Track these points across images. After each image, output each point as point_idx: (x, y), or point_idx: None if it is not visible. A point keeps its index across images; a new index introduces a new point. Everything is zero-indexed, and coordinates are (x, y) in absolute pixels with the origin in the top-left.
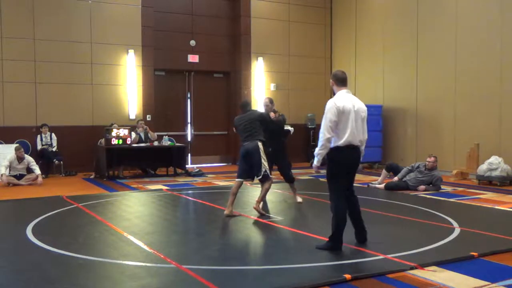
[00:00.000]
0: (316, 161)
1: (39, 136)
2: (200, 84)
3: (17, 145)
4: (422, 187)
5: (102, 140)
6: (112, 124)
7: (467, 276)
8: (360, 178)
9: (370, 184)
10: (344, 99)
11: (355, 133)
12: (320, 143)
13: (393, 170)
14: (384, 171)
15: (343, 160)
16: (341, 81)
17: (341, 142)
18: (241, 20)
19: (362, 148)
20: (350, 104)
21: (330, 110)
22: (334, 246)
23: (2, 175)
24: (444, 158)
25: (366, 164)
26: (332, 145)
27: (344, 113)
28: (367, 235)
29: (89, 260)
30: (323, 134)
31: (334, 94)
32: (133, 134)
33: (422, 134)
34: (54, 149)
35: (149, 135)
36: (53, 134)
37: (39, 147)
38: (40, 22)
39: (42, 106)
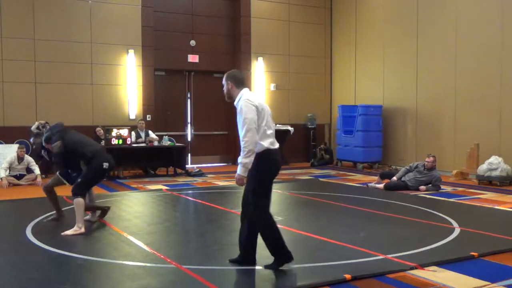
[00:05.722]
0: (242, 171)
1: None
2: (200, 84)
3: (20, 145)
4: (423, 187)
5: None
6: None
7: (467, 276)
8: (359, 178)
9: (369, 184)
10: (254, 96)
11: (274, 133)
12: (246, 149)
13: (387, 177)
14: (378, 178)
15: (273, 166)
16: (241, 81)
17: (268, 142)
18: (241, 20)
19: None
20: (261, 101)
21: (248, 108)
22: (248, 260)
23: (2, 178)
24: (444, 158)
25: (366, 164)
26: (258, 149)
27: (262, 110)
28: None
29: (89, 260)
30: (249, 137)
31: (230, 98)
32: (134, 134)
33: (422, 134)
34: None
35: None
36: None
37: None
38: (40, 22)
39: (42, 106)
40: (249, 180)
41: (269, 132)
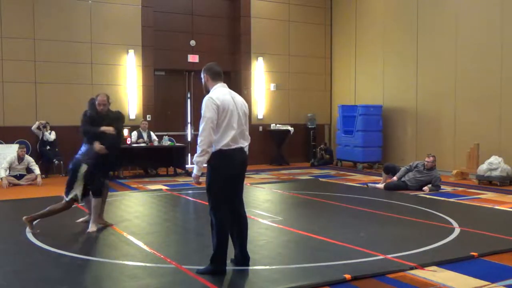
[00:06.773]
0: (196, 170)
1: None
2: (200, 84)
3: (20, 145)
4: (426, 188)
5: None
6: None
7: (467, 276)
8: (359, 178)
9: (370, 184)
10: (222, 94)
11: (238, 132)
12: (200, 148)
13: (391, 171)
14: (383, 174)
15: (228, 165)
16: (217, 74)
17: (224, 143)
18: (241, 20)
19: (247, 148)
20: (230, 98)
21: (208, 108)
22: (218, 269)
23: (2, 178)
24: (444, 158)
25: (366, 164)
26: (214, 148)
27: (224, 109)
28: (249, 262)
29: (89, 260)
30: (204, 137)
31: (207, 91)
32: (135, 134)
33: (422, 134)
34: (52, 138)
35: (151, 136)
36: (52, 132)
37: (39, 136)
38: (40, 22)
39: (42, 106)
40: (206, 179)
41: (231, 132)
